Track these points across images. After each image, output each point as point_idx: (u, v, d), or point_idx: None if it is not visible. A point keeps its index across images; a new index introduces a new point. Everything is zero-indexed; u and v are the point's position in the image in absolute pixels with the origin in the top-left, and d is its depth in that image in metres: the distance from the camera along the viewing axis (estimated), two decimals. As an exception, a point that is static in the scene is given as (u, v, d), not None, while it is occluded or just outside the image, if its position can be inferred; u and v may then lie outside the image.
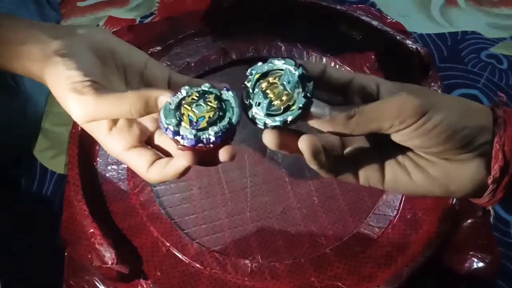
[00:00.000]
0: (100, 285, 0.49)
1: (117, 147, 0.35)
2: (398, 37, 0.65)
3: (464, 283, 0.50)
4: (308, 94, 0.29)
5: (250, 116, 0.31)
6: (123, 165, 0.57)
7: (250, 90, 0.31)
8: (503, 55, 0.75)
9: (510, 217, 0.59)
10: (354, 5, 0.75)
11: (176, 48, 0.68)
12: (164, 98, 0.31)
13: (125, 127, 0.35)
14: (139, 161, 0.34)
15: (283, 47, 0.68)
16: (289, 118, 0.29)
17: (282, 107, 0.29)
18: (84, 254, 0.49)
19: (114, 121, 0.35)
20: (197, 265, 0.50)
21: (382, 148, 0.33)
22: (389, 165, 0.33)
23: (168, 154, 0.35)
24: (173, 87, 0.38)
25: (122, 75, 0.37)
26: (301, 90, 0.29)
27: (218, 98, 0.32)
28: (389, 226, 0.53)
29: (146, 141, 0.36)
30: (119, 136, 0.35)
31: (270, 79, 0.31)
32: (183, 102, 0.31)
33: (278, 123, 0.29)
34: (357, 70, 0.66)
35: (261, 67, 0.31)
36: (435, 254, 0.49)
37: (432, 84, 0.61)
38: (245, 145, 0.59)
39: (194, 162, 0.32)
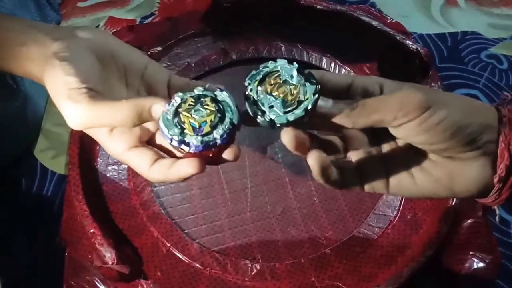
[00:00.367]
0: (100, 285, 0.49)
1: (118, 148, 0.35)
2: (398, 37, 0.65)
3: (464, 283, 0.50)
4: (313, 80, 0.30)
5: (267, 120, 0.31)
6: (123, 166, 0.57)
7: (256, 98, 0.31)
8: (503, 55, 0.75)
9: (510, 217, 0.59)
10: (354, 5, 0.76)
11: (176, 48, 0.68)
12: (158, 107, 0.31)
13: (126, 128, 0.35)
14: (141, 161, 0.34)
15: (283, 47, 0.68)
16: (309, 106, 0.30)
17: (296, 101, 0.30)
18: (85, 254, 0.49)
19: None
20: (197, 265, 0.50)
21: (384, 153, 0.33)
22: (393, 170, 0.33)
23: (169, 153, 0.35)
24: (173, 89, 0.38)
25: (123, 77, 0.37)
26: (304, 80, 0.30)
27: (215, 100, 0.31)
28: (389, 226, 0.53)
29: (147, 141, 0.36)
30: (120, 137, 0.34)
31: (271, 81, 0.31)
32: (180, 109, 0.31)
33: (301, 113, 0.30)
34: (357, 70, 0.66)
35: (256, 74, 0.32)
36: (435, 254, 0.49)
37: (432, 84, 0.61)
38: (245, 145, 0.59)
39: (201, 170, 0.31)
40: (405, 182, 0.32)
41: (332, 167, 0.31)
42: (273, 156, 0.58)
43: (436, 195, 0.32)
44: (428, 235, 0.50)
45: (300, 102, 0.30)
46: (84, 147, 0.56)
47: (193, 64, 0.66)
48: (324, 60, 0.67)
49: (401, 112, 0.29)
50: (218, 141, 0.30)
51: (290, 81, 0.31)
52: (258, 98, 0.31)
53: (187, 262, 0.50)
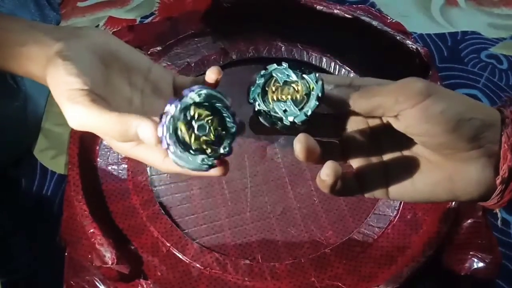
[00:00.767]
0: (100, 285, 0.49)
1: (127, 145, 0.35)
2: (398, 37, 0.65)
3: (464, 283, 0.50)
4: (308, 70, 0.31)
5: (288, 124, 0.31)
6: (123, 165, 0.57)
7: (267, 110, 0.32)
8: (503, 55, 0.75)
9: (510, 217, 0.59)
10: (354, 5, 0.76)
11: (176, 48, 0.68)
12: (143, 130, 0.30)
13: None
14: (153, 153, 0.34)
15: (283, 47, 0.68)
16: (319, 93, 0.30)
17: (303, 96, 0.31)
18: (84, 254, 0.49)
19: None
20: (197, 265, 0.50)
21: (385, 160, 0.33)
22: (393, 175, 0.33)
23: None
24: (179, 88, 0.38)
25: (126, 77, 0.37)
26: (301, 73, 0.31)
27: (198, 105, 0.31)
28: (389, 226, 0.53)
29: None
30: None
31: (273, 88, 0.32)
32: (183, 139, 0.30)
33: (315, 103, 0.31)
34: (357, 70, 0.66)
35: (256, 89, 0.32)
36: (435, 254, 0.49)
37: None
38: (245, 145, 0.59)
39: (226, 172, 0.33)
40: (405, 187, 0.32)
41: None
42: (273, 156, 0.58)
43: (436, 198, 0.32)
44: (428, 235, 0.50)
45: (308, 95, 0.31)
46: (84, 147, 0.56)
47: (193, 64, 0.66)
48: (324, 60, 0.67)
49: (402, 96, 0.29)
50: (236, 133, 0.31)
51: (289, 80, 0.31)
52: (270, 108, 0.31)
53: (187, 262, 0.50)
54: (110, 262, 0.47)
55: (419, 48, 0.63)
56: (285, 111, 0.31)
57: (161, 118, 0.30)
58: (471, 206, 0.52)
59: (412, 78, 0.30)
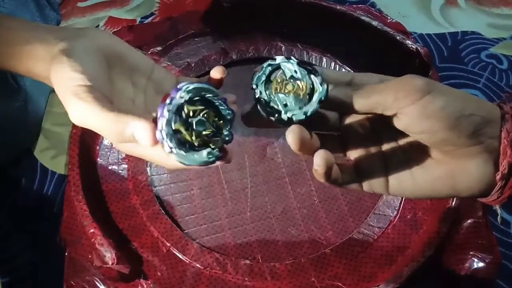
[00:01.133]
0: (100, 285, 0.49)
1: (130, 143, 0.34)
2: (398, 37, 0.65)
3: (464, 283, 0.50)
4: (316, 71, 0.31)
5: (285, 119, 0.31)
6: (123, 165, 0.57)
7: (267, 99, 0.31)
8: (503, 55, 0.75)
9: (510, 217, 0.59)
10: (354, 5, 0.76)
11: (176, 48, 0.68)
12: (140, 130, 0.30)
13: None
14: (157, 150, 0.33)
15: (283, 47, 0.68)
16: (323, 97, 0.30)
17: (306, 96, 0.31)
18: (85, 254, 0.49)
19: None
20: (197, 265, 0.50)
21: (384, 153, 0.33)
22: (393, 170, 0.32)
23: None
24: None
25: (129, 77, 0.38)
26: (307, 72, 0.31)
27: (190, 101, 0.31)
28: (389, 226, 0.53)
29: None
30: None
31: (278, 80, 0.31)
32: (184, 139, 0.30)
33: (317, 105, 0.30)
34: (357, 70, 0.66)
35: (261, 76, 0.32)
36: (435, 254, 0.49)
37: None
38: (245, 145, 0.59)
39: (230, 160, 0.33)
40: (406, 182, 0.32)
41: (334, 166, 0.31)
42: (273, 156, 0.58)
43: (437, 194, 0.32)
44: (428, 235, 0.50)
45: (310, 95, 0.31)
46: (84, 147, 0.56)
47: (193, 64, 0.66)
48: (324, 60, 0.67)
49: (401, 93, 0.29)
50: (233, 118, 0.32)
51: (296, 76, 0.31)
52: (270, 99, 0.31)
53: (187, 262, 0.50)
54: (110, 262, 0.47)
55: (419, 48, 0.63)
56: (285, 105, 0.31)
57: (156, 123, 0.30)
58: (471, 206, 0.52)
59: (411, 75, 0.30)
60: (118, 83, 0.36)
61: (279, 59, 0.32)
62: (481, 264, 0.49)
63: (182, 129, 0.30)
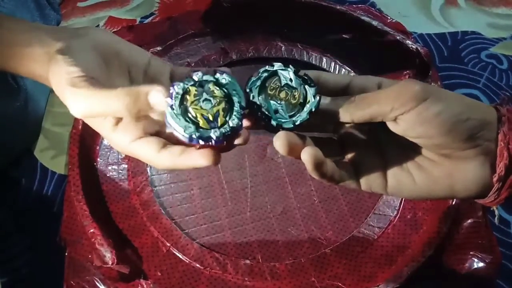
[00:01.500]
0: (100, 285, 0.49)
1: (124, 141, 0.34)
2: (398, 37, 0.65)
3: (464, 283, 0.50)
4: (311, 82, 0.31)
5: (274, 125, 0.31)
6: (123, 165, 0.57)
7: (259, 104, 0.31)
8: (503, 55, 0.75)
9: (510, 217, 0.59)
10: (354, 5, 0.76)
11: (176, 48, 0.68)
12: (156, 95, 0.30)
13: (131, 122, 0.34)
14: (147, 149, 0.33)
15: (283, 47, 0.68)
16: (313, 108, 0.31)
17: (298, 104, 0.31)
18: (85, 254, 0.49)
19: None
20: (197, 265, 0.50)
21: (383, 153, 0.33)
22: (391, 170, 0.33)
23: (179, 143, 0.33)
24: (176, 80, 0.38)
25: (126, 74, 0.38)
26: (303, 82, 0.31)
27: (218, 85, 0.30)
28: (389, 226, 0.53)
29: (155, 134, 0.35)
30: (125, 129, 0.34)
31: (272, 86, 0.32)
32: (187, 102, 0.30)
33: (306, 116, 0.31)
34: (357, 70, 0.66)
35: (256, 80, 0.32)
36: (435, 254, 0.49)
37: (432, 84, 0.61)
38: (245, 145, 0.59)
39: (217, 162, 0.31)
40: (404, 182, 0.32)
41: (327, 162, 0.31)
42: (273, 156, 0.58)
43: (435, 195, 0.32)
44: (428, 235, 0.50)
45: (302, 105, 0.31)
46: (84, 147, 0.56)
47: (193, 64, 0.66)
48: (324, 60, 0.67)
49: (398, 102, 0.29)
50: (235, 128, 0.30)
51: (290, 84, 0.31)
52: (262, 104, 0.31)
53: (187, 262, 0.50)
54: (110, 262, 0.47)
55: (419, 48, 0.63)
56: (275, 112, 0.31)
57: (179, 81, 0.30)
58: (471, 206, 0.52)
59: (408, 81, 0.30)
60: (116, 80, 0.36)
61: (276, 65, 0.32)
62: (481, 264, 0.49)
63: (192, 92, 0.30)
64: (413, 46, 0.63)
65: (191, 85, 0.30)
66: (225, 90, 0.31)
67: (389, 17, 0.72)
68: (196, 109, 0.30)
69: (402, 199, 0.55)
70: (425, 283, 0.50)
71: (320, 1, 0.69)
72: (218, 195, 0.56)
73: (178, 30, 0.69)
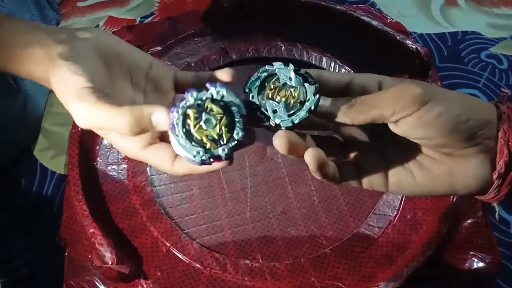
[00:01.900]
0: (100, 285, 0.49)
1: (134, 148, 0.34)
2: (398, 37, 0.65)
3: (464, 283, 0.50)
4: (311, 80, 0.31)
5: (273, 125, 0.31)
6: (123, 165, 0.57)
7: (258, 104, 0.31)
8: (503, 55, 0.75)
9: (510, 217, 0.59)
10: (354, 5, 0.76)
11: (176, 48, 0.68)
12: (158, 116, 0.30)
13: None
14: (162, 157, 0.33)
15: (283, 47, 0.68)
16: (312, 107, 0.30)
17: (297, 103, 0.31)
18: (84, 254, 0.49)
19: None
20: (197, 265, 0.50)
21: (384, 151, 0.33)
22: (393, 168, 0.33)
23: None
24: (180, 85, 0.38)
25: (128, 77, 0.37)
26: (303, 81, 0.31)
27: (214, 101, 0.31)
28: (389, 226, 0.53)
29: (160, 137, 0.36)
30: (133, 138, 0.34)
31: (271, 86, 0.32)
32: (189, 127, 0.30)
33: (305, 114, 0.31)
34: (357, 70, 0.66)
35: (255, 80, 0.32)
36: (435, 254, 0.49)
37: (432, 84, 0.61)
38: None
39: (232, 162, 0.32)
40: (405, 180, 0.32)
41: (329, 163, 0.31)
42: (273, 156, 0.58)
43: (435, 192, 0.32)
44: (428, 235, 0.50)
45: (302, 103, 0.31)
46: (84, 147, 0.56)
47: (193, 64, 0.66)
48: (324, 60, 0.67)
49: (399, 106, 0.29)
50: (241, 140, 0.31)
51: (290, 83, 0.31)
52: (261, 104, 0.31)
53: (187, 262, 0.50)
54: (110, 262, 0.47)
55: (419, 48, 0.63)
56: (274, 111, 0.31)
57: (174, 103, 0.31)
58: (471, 206, 0.52)
59: (409, 83, 0.30)
60: (118, 84, 0.36)
61: (276, 65, 0.32)
62: (481, 264, 0.49)
63: (192, 116, 0.30)
64: (413, 46, 0.63)
65: (189, 107, 0.30)
66: (222, 103, 0.31)
67: (389, 17, 0.72)
68: (200, 132, 0.30)
69: (402, 199, 0.55)
70: (425, 283, 0.50)
71: (320, 1, 0.69)
72: (218, 195, 0.56)
73: (178, 30, 0.69)
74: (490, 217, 0.53)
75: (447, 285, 0.51)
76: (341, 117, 0.30)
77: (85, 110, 0.31)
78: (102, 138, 0.58)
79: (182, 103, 0.30)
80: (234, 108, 0.31)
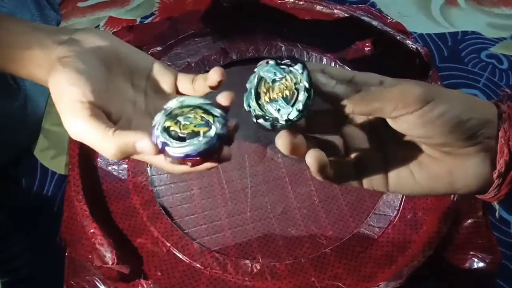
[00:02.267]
0: (100, 285, 0.49)
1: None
2: (398, 37, 0.65)
3: (464, 283, 0.50)
4: (292, 63, 0.30)
5: (285, 123, 0.31)
6: (123, 165, 0.57)
7: (263, 114, 0.31)
8: (503, 55, 0.75)
9: (510, 217, 0.59)
10: (354, 5, 0.76)
11: (176, 48, 0.68)
12: (142, 145, 0.31)
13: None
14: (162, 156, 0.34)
15: (283, 47, 0.68)
16: (306, 84, 0.30)
17: (293, 91, 0.30)
18: (85, 254, 0.49)
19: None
20: (197, 265, 0.50)
21: (384, 151, 0.33)
22: (392, 167, 0.33)
23: None
24: (181, 88, 0.39)
25: (128, 78, 0.37)
26: (287, 67, 0.31)
27: (182, 107, 0.33)
28: (389, 226, 0.53)
29: None
30: None
31: (264, 90, 0.31)
32: (175, 132, 0.32)
33: (304, 96, 0.30)
34: (357, 70, 0.66)
35: (248, 95, 0.32)
36: (435, 254, 0.49)
37: (432, 84, 0.61)
38: (245, 145, 0.59)
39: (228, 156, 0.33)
40: (405, 179, 0.32)
41: (329, 164, 0.31)
42: (273, 156, 0.58)
43: (435, 191, 0.32)
44: (428, 235, 0.50)
45: (297, 90, 0.30)
46: (84, 147, 0.55)
47: (193, 64, 0.66)
48: (324, 60, 0.67)
49: (401, 103, 0.29)
50: (218, 116, 0.32)
51: (277, 78, 0.31)
52: (264, 111, 0.31)
53: (187, 262, 0.50)
54: (110, 262, 0.47)
55: (419, 48, 0.63)
56: (278, 110, 0.31)
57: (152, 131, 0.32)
58: (471, 206, 0.52)
59: (412, 83, 0.30)
60: (118, 86, 0.36)
61: (257, 69, 0.32)
62: (481, 264, 0.49)
63: (171, 124, 0.32)
64: (413, 46, 0.63)
65: (165, 122, 0.32)
66: (190, 106, 0.33)
67: (389, 17, 0.72)
68: (186, 128, 0.31)
69: (402, 199, 0.55)
70: (425, 283, 0.50)
71: (320, 1, 0.69)
72: (218, 195, 0.56)
73: (178, 30, 0.69)
74: (490, 217, 0.53)
75: (447, 285, 0.51)
76: (344, 102, 0.30)
77: (76, 125, 0.32)
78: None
79: (156, 125, 0.32)
80: (200, 102, 0.33)
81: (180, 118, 0.32)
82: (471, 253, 0.50)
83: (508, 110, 0.30)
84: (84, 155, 0.55)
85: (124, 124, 0.35)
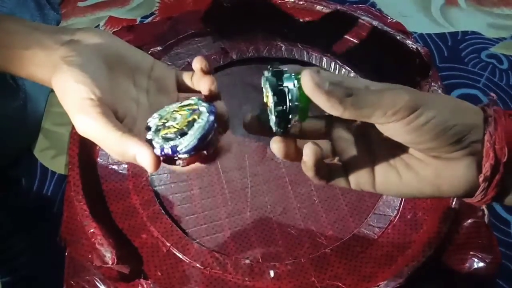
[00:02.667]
0: (100, 285, 0.49)
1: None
2: (398, 37, 0.65)
3: (464, 283, 0.50)
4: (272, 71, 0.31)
5: (280, 131, 0.31)
6: (123, 165, 0.57)
7: (269, 121, 0.32)
8: (503, 55, 0.75)
9: (510, 217, 0.59)
10: (354, 5, 0.76)
11: (176, 48, 0.68)
12: (142, 156, 0.31)
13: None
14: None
15: (283, 47, 0.68)
16: (271, 93, 0.30)
17: (273, 96, 0.30)
18: (85, 254, 0.49)
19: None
20: (197, 265, 0.50)
21: (371, 151, 0.33)
22: (379, 167, 0.33)
23: None
24: (183, 85, 0.40)
25: (131, 78, 0.38)
26: (265, 80, 0.31)
27: (166, 113, 0.34)
28: (389, 226, 0.53)
29: None
30: None
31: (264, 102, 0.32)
32: (163, 132, 0.32)
33: (295, 87, 0.30)
34: (357, 70, 0.66)
35: (263, 111, 0.33)
36: (435, 254, 0.49)
37: (432, 84, 0.61)
38: (245, 145, 0.59)
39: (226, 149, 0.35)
40: (392, 180, 0.32)
41: (322, 161, 0.32)
42: (273, 156, 0.58)
43: (422, 193, 0.33)
44: (428, 235, 0.50)
45: (277, 94, 0.31)
46: (84, 147, 0.56)
47: (193, 64, 0.66)
48: (324, 60, 0.67)
49: (391, 111, 0.29)
50: (207, 108, 0.33)
51: (265, 87, 0.32)
52: (271, 122, 0.32)
53: (187, 262, 0.50)
54: (110, 262, 0.47)
55: (419, 48, 0.63)
56: (274, 117, 0.31)
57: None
58: (471, 206, 0.52)
59: (400, 90, 0.30)
60: (121, 85, 0.36)
61: (264, 80, 0.32)
62: (481, 264, 0.49)
63: (166, 131, 0.33)
64: (413, 46, 0.63)
65: (154, 134, 0.33)
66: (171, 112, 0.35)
67: (389, 17, 0.72)
68: (180, 124, 0.33)
69: (402, 199, 0.55)
70: (425, 283, 0.50)
71: (320, 1, 0.69)
72: (218, 195, 0.56)
73: (178, 30, 0.69)
74: (491, 217, 0.53)
75: (447, 285, 0.51)
76: (334, 105, 0.29)
77: (86, 122, 0.32)
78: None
79: (149, 138, 0.33)
80: (176, 105, 0.35)
81: (168, 124, 0.33)
82: (471, 253, 0.50)
83: (493, 114, 0.31)
84: (84, 155, 0.55)
85: (129, 123, 0.35)
